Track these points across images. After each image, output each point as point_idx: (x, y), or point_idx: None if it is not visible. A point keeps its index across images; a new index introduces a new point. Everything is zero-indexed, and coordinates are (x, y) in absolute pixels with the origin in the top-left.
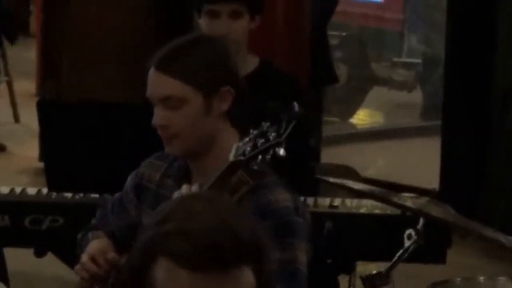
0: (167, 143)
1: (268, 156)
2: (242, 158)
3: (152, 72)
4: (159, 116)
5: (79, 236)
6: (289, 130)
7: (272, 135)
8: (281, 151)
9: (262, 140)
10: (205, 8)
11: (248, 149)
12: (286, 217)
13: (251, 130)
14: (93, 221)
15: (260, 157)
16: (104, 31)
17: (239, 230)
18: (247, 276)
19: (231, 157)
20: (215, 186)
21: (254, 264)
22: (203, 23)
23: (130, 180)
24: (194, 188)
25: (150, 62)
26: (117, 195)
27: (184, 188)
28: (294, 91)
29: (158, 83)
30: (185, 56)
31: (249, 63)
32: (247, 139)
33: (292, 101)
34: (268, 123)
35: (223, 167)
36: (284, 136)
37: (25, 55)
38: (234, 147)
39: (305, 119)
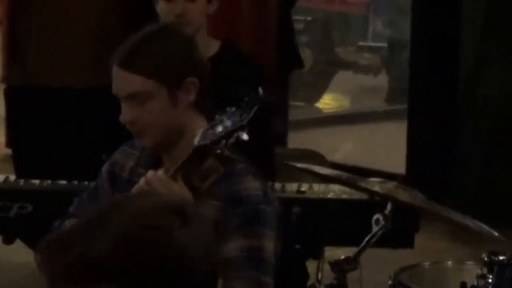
0: (137, 138)
1: (232, 140)
2: (206, 142)
3: (115, 69)
4: (126, 113)
5: (56, 223)
6: (251, 114)
7: (236, 119)
8: (244, 135)
9: (225, 124)
10: None
11: (212, 133)
12: (255, 205)
13: (216, 116)
14: (71, 209)
15: (223, 141)
16: (71, 16)
17: (93, 249)
18: None
19: (195, 142)
20: (182, 170)
21: (121, 284)
22: (159, 8)
23: (104, 168)
24: (160, 173)
25: (113, 58)
26: (93, 183)
27: (149, 174)
28: (256, 71)
29: (121, 80)
30: (146, 51)
31: (210, 47)
32: (211, 124)
33: (255, 82)
34: (233, 108)
35: (188, 152)
36: (246, 120)
37: None
38: (199, 132)
39: (269, 103)
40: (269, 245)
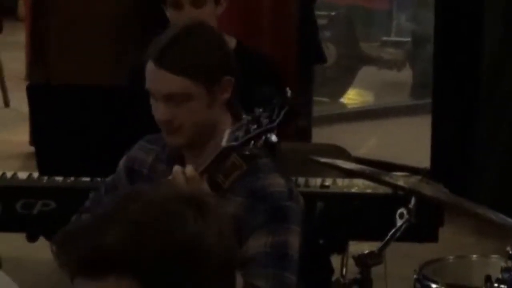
0: (169, 136)
1: (261, 142)
2: (234, 143)
3: (151, 67)
4: (162, 111)
5: (73, 218)
6: (281, 116)
7: (264, 121)
8: (273, 137)
9: (254, 126)
10: (168, 0)
11: (241, 134)
12: (280, 202)
13: (244, 116)
14: (87, 204)
15: (252, 142)
16: (91, 15)
17: (110, 239)
18: (115, 285)
19: (224, 142)
20: (208, 170)
21: (135, 274)
22: (169, 14)
23: (122, 163)
24: (188, 168)
25: (147, 55)
26: (110, 178)
27: (176, 169)
28: (271, 70)
29: (159, 80)
30: (184, 48)
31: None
32: (239, 124)
33: (270, 81)
34: (260, 109)
35: (216, 152)
36: (276, 122)
37: (14, 39)
38: (226, 132)
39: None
40: (294, 242)
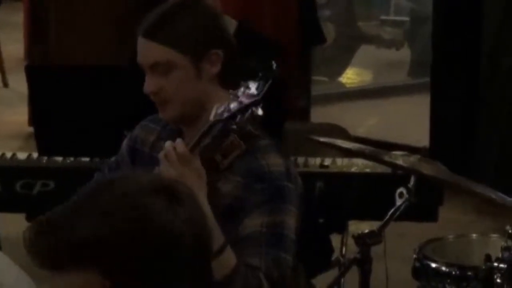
0: (160, 109)
1: (247, 115)
2: (220, 118)
3: (139, 39)
4: (149, 83)
5: None
6: (265, 89)
7: (250, 95)
8: (259, 111)
9: (239, 100)
10: None
11: (227, 108)
12: (278, 181)
13: (230, 91)
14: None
15: (239, 116)
16: None
17: (74, 232)
18: (87, 280)
19: (211, 117)
20: (197, 145)
21: (99, 268)
22: None
23: (125, 143)
24: (178, 143)
25: (139, 29)
26: (113, 158)
27: (168, 144)
28: (273, 51)
29: (145, 50)
30: (171, 21)
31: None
32: (226, 99)
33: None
34: (247, 83)
35: (203, 127)
36: (260, 95)
37: (13, 19)
38: (214, 108)
39: (286, 78)
40: (291, 222)
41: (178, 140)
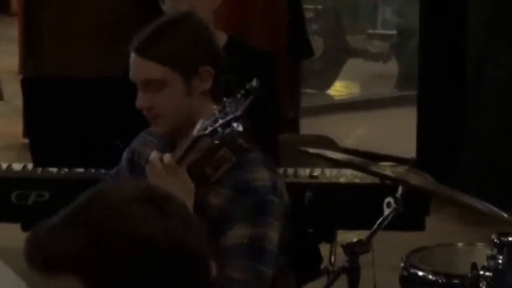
0: (152, 123)
1: (228, 130)
2: (203, 132)
3: (132, 56)
4: (142, 99)
5: None
6: (245, 106)
7: (230, 110)
8: (239, 127)
9: (222, 115)
10: None
11: (210, 124)
12: (262, 195)
13: (214, 106)
14: None
15: (220, 131)
16: (82, 10)
17: (58, 243)
18: (68, 286)
19: (195, 132)
20: (183, 158)
21: (80, 273)
22: (166, 7)
23: (125, 155)
24: (166, 156)
25: (131, 46)
26: (114, 169)
27: (153, 154)
28: (266, 65)
29: (137, 67)
30: (162, 39)
31: (218, 40)
32: (210, 114)
33: (264, 74)
34: (230, 99)
35: (187, 141)
36: (240, 111)
37: (7, 33)
38: (199, 123)
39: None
40: (273, 235)
41: (166, 154)
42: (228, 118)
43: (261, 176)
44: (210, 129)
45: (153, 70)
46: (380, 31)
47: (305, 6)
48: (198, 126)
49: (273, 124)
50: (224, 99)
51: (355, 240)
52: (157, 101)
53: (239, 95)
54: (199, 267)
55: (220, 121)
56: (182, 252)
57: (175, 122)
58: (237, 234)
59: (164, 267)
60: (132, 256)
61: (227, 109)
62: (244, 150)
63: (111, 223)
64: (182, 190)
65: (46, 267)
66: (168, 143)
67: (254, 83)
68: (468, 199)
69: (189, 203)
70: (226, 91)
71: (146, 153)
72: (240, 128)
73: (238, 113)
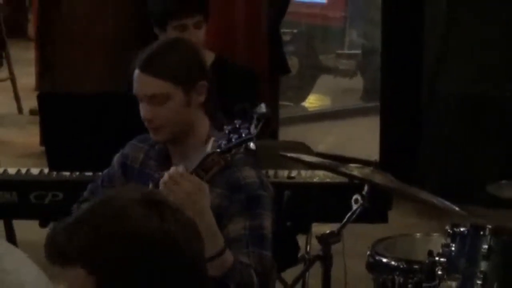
0: (153, 132)
1: (241, 149)
2: (217, 150)
3: (137, 73)
4: (146, 111)
5: (74, 207)
6: (259, 127)
7: (244, 131)
8: (252, 145)
9: (235, 136)
10: (173, 24)
11: (224, 143)
12: (254, 191)
13: (225, 126)
14: (85, 194)
15: (234, 150)
16: (89, 33)
17: (71, 237)
18: (80, 277)
19: (208, 149)
20: (195, 171)
21: (86, 265)
22: (171, 36)
23: (116, 159)
24: (181, 168)
25: (134, 63)
26: (105, 171)
27: (172, 169)
28: (249, 81)
29: (143, 83)
30: (165, 57)
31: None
32: (222, 134)
33: (249, 91)
34: (240, 121)
35: (202, 157)
36: (255, 133)
37: (26, 56)
38: (211, 140)
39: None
40: (268, 224)
41: (181, 166)
42: (243, 138)
43: (249, 174)
44: (224, 147)
45: (158, 86)
46: (347, 51)
47: (282, 30)
48: (210, 144)
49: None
50: (235, 121)
51: (327, 231)
52: (160, 112)
53: (251, 118)
54: (192, 264)
55: (235, 141)
56: (176, 250)
57: (174, 131)
58: (237, 226)
59: (159, 263)
60: (130, 252)
61: (241, 130)
62: (231, 154)
63: (112, 224)
64: (203, 196)
65: (59, 260)
66: (161, 150)
67: (264, 108)
68: (425, 195)
69: (207, 206)
70: (212, 104)
71: (139, 158)
72: (253, 147)
73: (253, 135)
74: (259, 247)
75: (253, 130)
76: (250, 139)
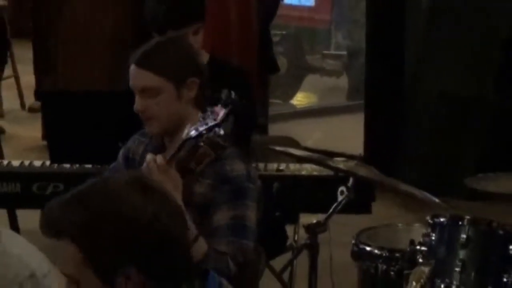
0: (146, 124)
1: (211, 134)
2: (190, 135)
3: (132, 67)
4: (139, 103)
5: None
6: (225, 113)
7: (212, 119)
8: (221, 131)
9: (206, 122)
10: (172, 32)
11: (196, 129)
12: (241, 183)
13: (199, 114)
14: None
15: (205, 135)
16: (89, 33)
17: (64, 213)
18: (69, 247)
19: (184, 135)
20: (173, 158)
21: (80, 241)
22: None
23: (121, 152)
24: (158, 157)
25: (131, 59)
26: (113, 164)
27: (148, 156)
28: (242, 79)
29: (137, 76)
30: (159, 54)
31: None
32: (196, 122)
33: (241, 89)
34: (211, 108)
35: (177, 143)
36: (219, 119)
37: (28, 55)
38: (186, 127)
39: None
40: (252, 215)
41: (159, 155)
42: (211, 124)
43: (238, 167)
44: (195, 133)
45: (151, 79)
46: (333, 52)
47: (272, 31)
48: (185, 131)
49: (253, 125)
50: (207, 108)
51: (314, 221)
52: (152, 105)
53: (219, 105)
54: (173, 241)
55: (204, 127)
56: (158, 227)
57: (166, 124)
58: (222, 216)
59: (144, 242)
60: (117, 231)
61: (210, 117)
62: (222, 146)
63: (102, 204)
64: (172, 185)
65: (52, 233)
66: (159, 144)
67: (232, 95)
68: (407, 188)
69: (178, 195)
70: (207, 99)
71: (139, 151)
72: (221, 132)
73: (218, 121)
74: (241, 237)
75: (219, 116)
76: (216, 125)
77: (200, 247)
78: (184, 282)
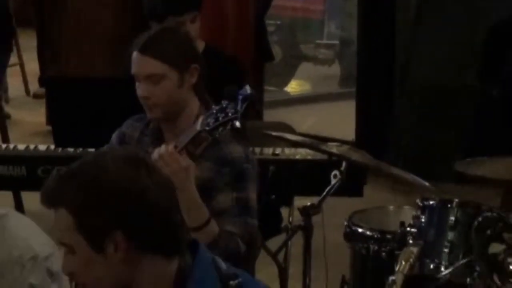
0: (149, 110)
1: (227, 127)
2: (206, 128)
3: (136, 54)
4: (142, 90)
5: None
6: (244, 107)
7: (230, 111)
8: (237, 124)
9: (222, 115)
10: (171, 21)
11: (212, 121)
12: (240, 165)
13: (213, 106)
14: None
15: (221, 128)
16: (91, 22)
17: (61, 185)
18: (63, 216)
19: (198, 126)
20: (185, 149)
21: (72, 209)
22: None
23: (115, 136)
24: (170, 147)
25: (133, 47)
26: (105, 147)
27: (163, 147)
28: (237, 67)
29: (141, 63)
30: (163, 41)
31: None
32: (210, 113)
33: (236, 78)
34: (227, 101)
35: (191, 135)
36: (240, 112)
37: (33, 43)
38: (200, 119)
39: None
40: (253, 195)
41: (170, 146)
42: (229, 117)
43: (236, 149)
44: (212, 125)
45: (155, 66)
46: (326, 41)
47: (267, 21)
48: (200, 121)
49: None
50: (223, 101)
51: (308, 204)
52: (155, 91)
53: (237, 99)
54: (163, 214)
55: (221, 119)
56: (148, 199)
57: (168, 109)
58: (225, 198)
59: (130, 207)
60: (106, 195)
61: (227, 109)
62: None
63: (93, 171)
64: (184, 172)
65: (50, 203)
66: (155, 128)
67: (248, 90)
68: (397, 171)
69: (191, 181)
70: (204, 86)
71: (135, 136)
72: (238, 125)
73: (238, 114)
74: (245, 216)
75: (239, 109)
76: (235, 118)
77: (212, 229)
78: (175, 256)
